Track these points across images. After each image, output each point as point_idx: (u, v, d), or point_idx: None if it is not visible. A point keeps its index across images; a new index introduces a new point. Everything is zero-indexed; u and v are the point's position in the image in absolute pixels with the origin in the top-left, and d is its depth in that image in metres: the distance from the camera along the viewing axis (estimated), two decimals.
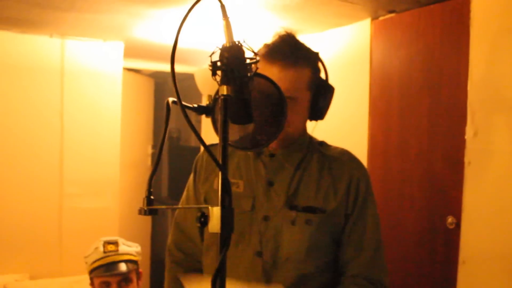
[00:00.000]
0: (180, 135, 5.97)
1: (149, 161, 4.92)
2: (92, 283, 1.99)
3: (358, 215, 1.29)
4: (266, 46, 1.27)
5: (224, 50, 0.83)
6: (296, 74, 1.23)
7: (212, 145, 1.08)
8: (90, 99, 3.40)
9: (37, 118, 3.22)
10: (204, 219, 0.81)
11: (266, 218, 1.27)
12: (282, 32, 1.28)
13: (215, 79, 0.84)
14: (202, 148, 1.42)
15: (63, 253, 3.28)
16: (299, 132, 1.32)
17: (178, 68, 4.31)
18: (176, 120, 5.63)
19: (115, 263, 1.95)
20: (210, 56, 0.84)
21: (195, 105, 0.89)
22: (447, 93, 2.16)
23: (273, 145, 1.26)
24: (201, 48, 3.46)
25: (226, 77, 0.82)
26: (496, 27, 1.93)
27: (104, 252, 1.97)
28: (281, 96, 1.00)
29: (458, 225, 2.05)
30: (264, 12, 2.51)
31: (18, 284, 3.03)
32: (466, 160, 2.01)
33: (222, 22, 0.84)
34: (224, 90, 0.82)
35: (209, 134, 0.99)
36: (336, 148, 1.37)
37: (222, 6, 0.84)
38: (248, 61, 0.85)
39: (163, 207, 0.91)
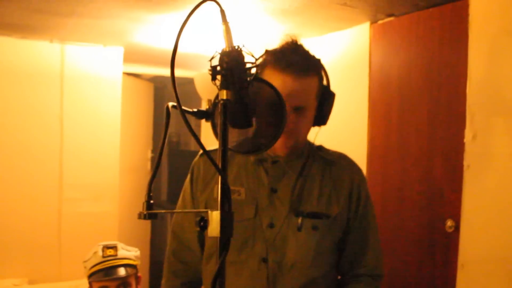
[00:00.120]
0: (180, 139, 5.97)
1: (148, 165, 4.92)
2: None
3: (361, 218, 1.34)
4: (276, 54, 1.26)
5: (223, 54, 0.83)
6: (307, 84, 1.25)
7: (211, 150, 1.09)
8: (90, 103, 3.41)
9: (37, 122, 3.23)
10: (203, 223, 0.81)
11: (271, 225, 1.27)
12: (290, 40, 1.28)
13: (215, 84, 0.84)
14: (200, 152, 1.42)
15: (62, 257, 3.28)
16: (305, 139, 1.34)
17: (178, 73, 4.31)
18: (176, 124, 5.63)
19: (114, 268, 1.95)
20: (210, 60, 0.85)
21: (195, 110, 0.89)
22: (446, 96, 2.16)
23: (281, 153, 1.29)
24: (200, 52, 3.47)
25: (226, 82, 0.83)
26: (494, 30, 1.94)
27: (103, 256, 1.96)
28: (281, 101, 1.01)
29: (457, 228, 2.05)
30: (263, 16, 2.51)
31: None
32: (465, 163, 2.01)
33: (221, 27, 0.84)
34: (223, 94, 0.82)
35: (209, 138, 0.99)
36: (334, 152, 1.40)
37: (222, 11, 0.84)
38: (248, 65, 0.85)
39: (163, 211, 0.92)
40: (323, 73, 1.32)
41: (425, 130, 2.25)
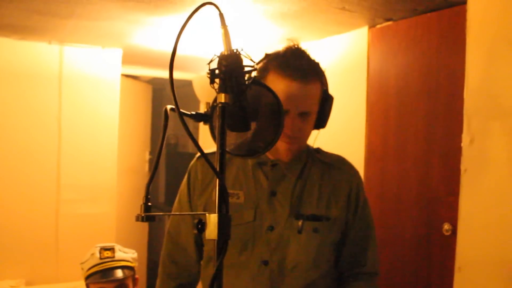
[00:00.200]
0: (178, 141, 5.97)
1: (146, 167, 4.92)
2: None
3: (360, 219, 1.37)
4: (280, 59, 1.25)
5: (222, 58, 0.83)
6: (312, 89, 1.25)
7: (209, 153, 1.09)
8: (88, 105, 3.41)
9: (35, 124, 3.23)
10: (201, 226, 0.81)
11: (271, 228, 1.28)
12: (293, 45, 1.28)
13: (213, 87, 0.85)
14: (198, 155, 1.41)
15: (60, 259, 3.27)
16: (306, 143, 1.36)
17: (176, 75, 4.32)
18: (174, 126, 5.63)
19: (111, 270, 1.95)
20: (209, 64, 0.85)
21: (193, 113, 0.90)
22: (444, 100, 2.17)
23: (285, 158, 1.30)
24: (199, 55, 3.47)
25: (224, 85, 0.83)
26: (492, 36, 1.95)
27: (101, 258, 1.96)
28: (279, 104, 1.01)
29: (454, 232, 2.06)
30: (262, 20, 2.52)
31: None
32: (462, 167, 2.02)
33: (220, 31, 0.84)
34: (222, 98, 0.83)
35: (207, 141, 1.00)
36: (332, 154, 1.41)
37: (221, 15, 0.84)
38: (246, 69, 0.85)
39: (160, 213, 0.92)
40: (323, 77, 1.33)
41: (423, 134, 2.26)
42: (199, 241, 1.41)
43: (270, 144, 1.00)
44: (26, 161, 3.19)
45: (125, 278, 1.96)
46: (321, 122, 1.33)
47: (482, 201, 1.94)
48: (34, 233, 3.20)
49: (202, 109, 0.92)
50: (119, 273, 1.95)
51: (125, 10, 2.42)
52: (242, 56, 0.84)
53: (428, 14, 2.25)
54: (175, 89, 0.80)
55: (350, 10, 2.31)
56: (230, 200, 1.27)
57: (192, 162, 1.41)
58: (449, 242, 2.08)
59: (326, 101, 1.31)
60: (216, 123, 0.84)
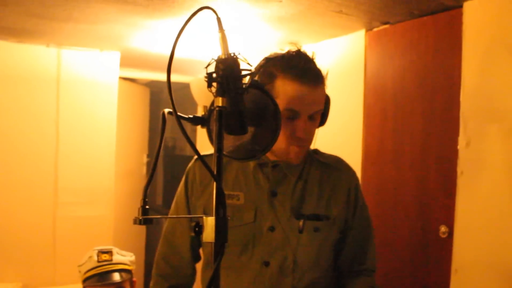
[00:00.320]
0: (175, 144, 5.97)
1: (144, 170, 4.92)
2: None
3: (360, 218, 1.39)
4: (287, 63, 1.24)
5: (219, 62, 0.84)
6: (320, 92, 1.27)
7: (207, 155, 1.09)
8: (86, 108, 3.41)
9: (33, 127, 3.22)
10: (198, 228, 0.82)
11: (272, 229, 1.28)
12: (297, 49, 1.28)
13: (211, 91, 0.85)
14: (195, 157, 1.42)
15: (57, 262, 3.26)
16: None
17: (174, 78, 4.33)
18: (171, 129, 5.62)
19: (109, 273, 1.95)
20: (206, 67, 0.86)
21: (191, 116, 0.90)
22: (440, 103, 2.18)
23: (296, 162, 1.30)
24: (197, 58, 3.48)
25: (221, 89, 0.84)
26: (488, 39, 1.96)
27: (98, 261, 1.96)
28: (276, 107, 1.02)
29: (450, 234, 2.07)
30: (260, 23, 2.53)
31: None
32: (458, 170, 2.03)
33: (218, 35, 0.85)
34: (219, 101, 0.83)
35: (204, 144, 1.00)
36: (329, 155, 1.43)
37: (218, 19, 0.85)
38: (243, 73, 0.86)
39: (158, 216, 0.92)
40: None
41: (419, 136, 2.27)
42: (195, 243, 1.41)
43: (267, 147, 1.00)
44: (24, 164, 3.19)
45: (123, 282, 1.96)
46: (322, 122, 1.35)
47: (479, 204, 1.95)
48: (32, 236, 3.19)
49: (200, 112, 0.93)
50: (116, 277, 1.95)
51: (123, 14, 2.42)
52: (239, 60, 0.85)
53: (425, 18, 2.26)
54: (172, 92, 0.80)
55: (347, 14, 2.32)
56: (230, 201, 1.29)
57: (190, 164, 1.41)
58: (446, 245, 2.09)
59: (327, 102, 1.33)
60: (213, 126, 0.85)
